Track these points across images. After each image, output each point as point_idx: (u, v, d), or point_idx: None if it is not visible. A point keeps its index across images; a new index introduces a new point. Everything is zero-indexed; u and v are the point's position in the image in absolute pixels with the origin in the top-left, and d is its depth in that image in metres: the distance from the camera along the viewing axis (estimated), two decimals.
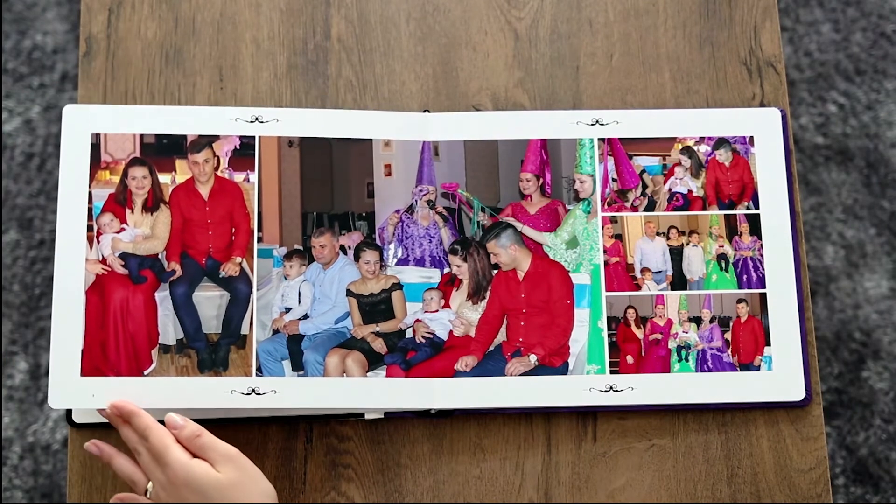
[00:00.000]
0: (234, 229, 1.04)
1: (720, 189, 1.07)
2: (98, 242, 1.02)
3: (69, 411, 1.01)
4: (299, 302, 1.03)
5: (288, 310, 1.03)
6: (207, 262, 1.03)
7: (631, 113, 1.08)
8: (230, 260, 1.03)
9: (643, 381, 1.02)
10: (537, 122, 1.07)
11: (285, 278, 1.03)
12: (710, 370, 1.03)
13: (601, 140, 1.07)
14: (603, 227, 1.05)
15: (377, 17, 1.12)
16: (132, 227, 1.03)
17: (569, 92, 1.10)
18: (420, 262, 1.05)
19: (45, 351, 1.83)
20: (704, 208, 1.07)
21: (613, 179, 1.07)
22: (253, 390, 0.99)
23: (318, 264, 1.04)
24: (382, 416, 1.02)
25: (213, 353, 1.01)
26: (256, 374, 1.00)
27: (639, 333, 1.03)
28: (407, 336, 1.03)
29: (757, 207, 1.06)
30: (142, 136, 1.04)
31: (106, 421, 0.98)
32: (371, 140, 1.06)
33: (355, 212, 1.05)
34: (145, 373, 1.00)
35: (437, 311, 1.04)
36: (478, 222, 1.06)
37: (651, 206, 1.06)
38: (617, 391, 1.02)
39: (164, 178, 1.04)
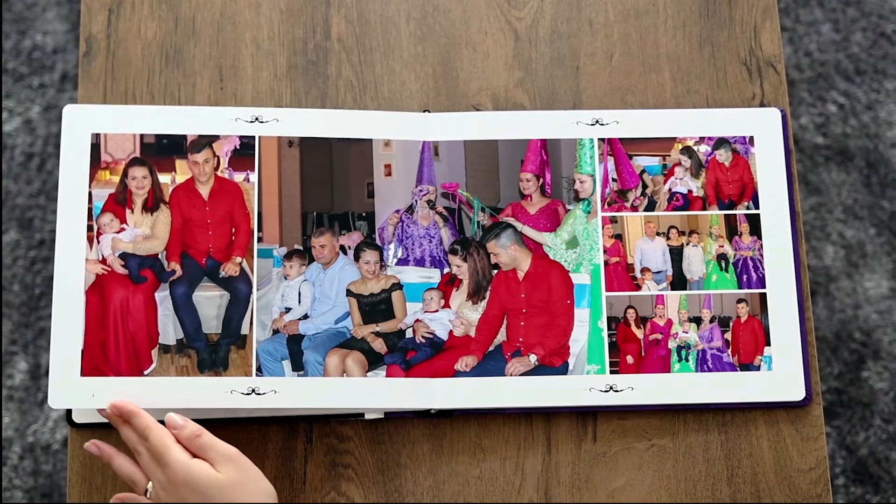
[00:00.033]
0: (234, 229, 1.04)
1: (720, 189, 1.07)
2: (98, 242, 1.02)
3: (69, 411, 1.01)
4: (299, 302, 1.03)
5: (288, 310, 1.03)
6: (207, 262, 1.03)
7: (631, 113, 1.08)
8: (230, 260, 1.03)
9: (643, 381, 1.02)
10: (537, 122, 1.07)
11: (285, 278, 1.03)
12: (710, 370, 1.03)
13: (601, 140, 1.07)
14: (603, 227, 1.05)
15: (377, 17, 1.12)
16: (132, 227, 1.03)
17: (569, 92, 1.10)
18: (420, 262, 1.05)
19: (45, 351, 1.83)
20: (704, 208, 1.07)
21: (613, 179, 1.07)
22: (253, 390, 0.99)
23: (318, 264, 1.04)
24: (382, 416, 1.02)
25: (213, 353, 1.01)
26: (256, 374, 1.00)
27: (639, 333, 1.03)
28: (407, 336, 1.03)
29: (757, 207, 1.06)
30: (142, 136, 1.04)
31: (106, 421, 0.98)
32: (371, 140, 1.06)
33: (355, 212, 1.05)
34: (145, 373, 1.00)
35: (437, 311, 1.04)
36: (478, 222, 1.06)
37: (651, 206, 1.06)
38: (617, 391, 1.02)
39: (164, 178, 1.04)
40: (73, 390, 0.98)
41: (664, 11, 1.13)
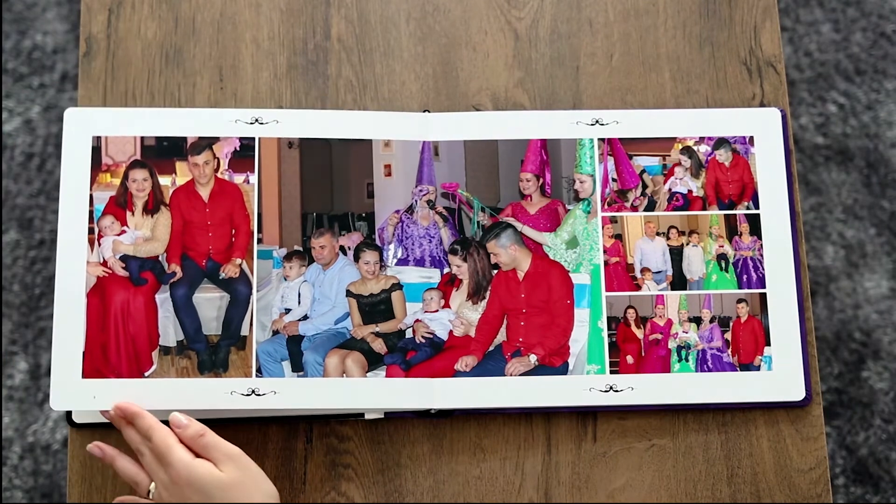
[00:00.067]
0: (233, 231, 1.04)
1: (720, 189, 1.07)
2: (99, 245, 1.02)
3: (69, 411, 1.01)
4: (299, 303, 1.03)
5: (288, 311, 1.03)
6: (207, 264, 1.03)
7: (631, 113, 1.08)
8: (230, 261, 1.03)
9: (643, 381, 1.02)
10: (537, 122, 1.07)
11: (285, 279, 1.03)
12: (710, 370, 1.03)
13: (601, 140, 1.07)
14: (603, 227, 1.05)
15: (377, 17, 1.12)
16: (133, 230, 1.03)
17: (569, 92, 1.10)
18: (420, 262, 1.05)
19: (45, 351, 1.83)
20: (704, 208, 1.07)
21: (613, 179, 1.07)
22: (253, 391, 0.99)
23: (318, 265, 1.04)
24: (382, 416, 1.02)
25: (213, 354, 1.01)
26: (256, 375, 1.00)
27: (639, 333, 1.03)
28: (407, 336, 1.03)
29: (757, 207, 1.06)
30: (142, 138, 1.04)
31: (105, 421, 0.98)
32: (371, 140, 1.06)
33: (355, 212, 1.05)
34: (146, 374, 1.00)
35: (437, 311, 1.04)
36: (478, 222, 1.06)
37: (651, 206, 1.06)
38: (617, 391, 1.02)
39: (164, 181, 1.04)
40: (75, 392, 0.98)
41: (664, 11, 1.13)
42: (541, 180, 1.06)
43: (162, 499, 0.91)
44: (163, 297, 1.02)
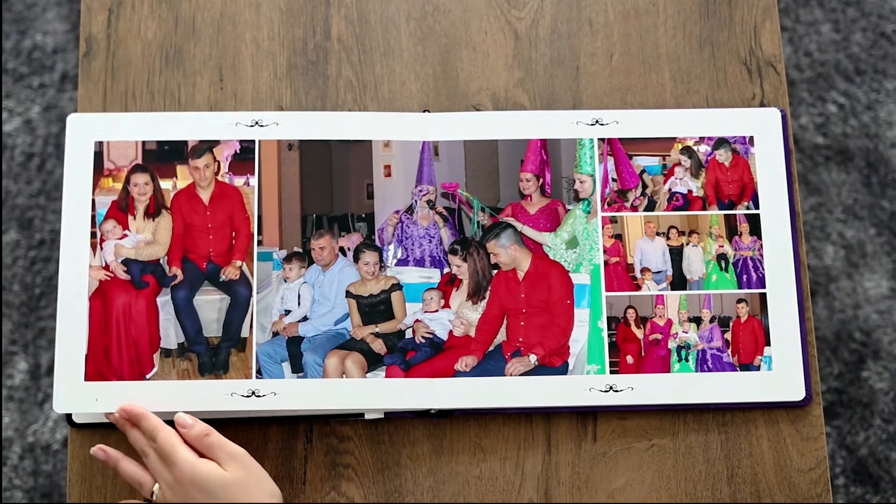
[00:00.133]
0: (234, 233, 1.04)
1: (720, 189, 1.07)
2: (101, 249, 1.03)
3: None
4: (299, 304, 1.03)
5: (287, 312, 1.03)
6: (208, 267, 1.04)
7: (631, 113, 1.08)
8: (230, 264, 1.03)
9: (643, 381, 1.02)
10: (537, 122, 1.07)
11: (285, 281, 1.03)
12: (710, 370, 1.03)
13: (601, 140, 1.07)
14: (603, 227, 1.05)
15: (377, 17, 1.12)
16: (134, 233, 1.04)
17: (569, 92, 1.10)
18: (420, 263, 1.05)
19: (45, 351, 1.83)
20: (704, 208, 1.07)
21: (613, 179, 1.07)
22: (253, 392, 0.99)
23: (318, 266, 1.04)
24: (382, 416, 1.02)
25: (213, 356, 1.01)
26: (256, 377, 1.00)
27: (639, 333, 1.03)
28: (407, 336, 1.03)
29: (757, 207, 1.06)
30: (143, 142, 1.05)
31: (105, 421, 0.99)
32: (370, 141, 1.06)
33: (355, 213, 1.05)
34: (147, 377, 1.00)
35: (436, 311, 1.04)
36: (478, 222, 1.06)
37: (651, 206, 1.06)
38: (617, 391, 1.02)
39: (165, 184, 1.05)
40: (78, 395, 0.99)
41: (664, 11, 1.13)
42: (541, 180, 1.06)
43: (166, 499, 0.91)
44: (164, 300, 1.02)
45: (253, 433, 1.02)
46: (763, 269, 1.05)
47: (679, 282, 1.05)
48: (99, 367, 1.00)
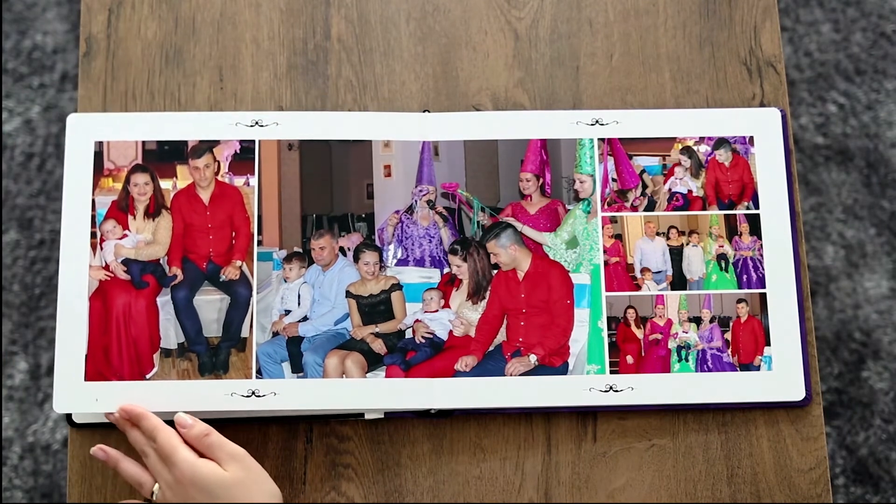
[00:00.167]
0: (234, 233, 1.04)
1: (720, 189, 1.07)
2: (101, 249, 1.03)
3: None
4: (299, 304, 1.03)
5: (287, 312, 1.03)
6: (208, 267, 1.04)
7: (631, 113, 1.08)
8: (230, 264, 1.03)
9: (643, 381, 1.02)
10: (537, 122, 1.07)
11: (285, 281, 1.03)
12: (710, 370, 1.03)
13: (601, 140, 1.07)
14: (603, 227, 1.05)
15: (377, 17, 1.12)
16: (134, 233, 1.04)
17: (569, 92, 1.10)
18: (420, 263, 1.05)
19: (45, 351, 1.83)
20: (704, 208, 1.07)
21: (613, 179, 1.07)
22: (253, 392, 0.99)
23: (318, 266, 1.04)
24: (382, 416, 1.02)
25: (213, 356, 1.01)
26: (256, 377, 1.00)
27: (639, 333, 1.03)
28: (407, 336, 1.03)
29: (757, 207, 1.06)
30: (143, 142, 1.05)
31: (105, 421, 0.99)
32: (370, 141, 1.06)
33: (355, 213, 1.05)
34: (147, 377, 1.00)
35: (436, 311, 1.04)
36: (478, 222, 1.06)
37: (651, 206, 1.06)
38: (617, 391, 1.02)
39: (165, 184, 1.05)
40: (78, 395, 0.99)
41: (664, 11, 1.13)
42: (541, 180, 1.06)
43: (166, 499, 0.91)
44: (164, 300, 1.02)
45: (253, 433, 1.02)
46: (763, 269, 1.05)
47: (679, 282, 1.05)
48: (99, 367, 1.00)
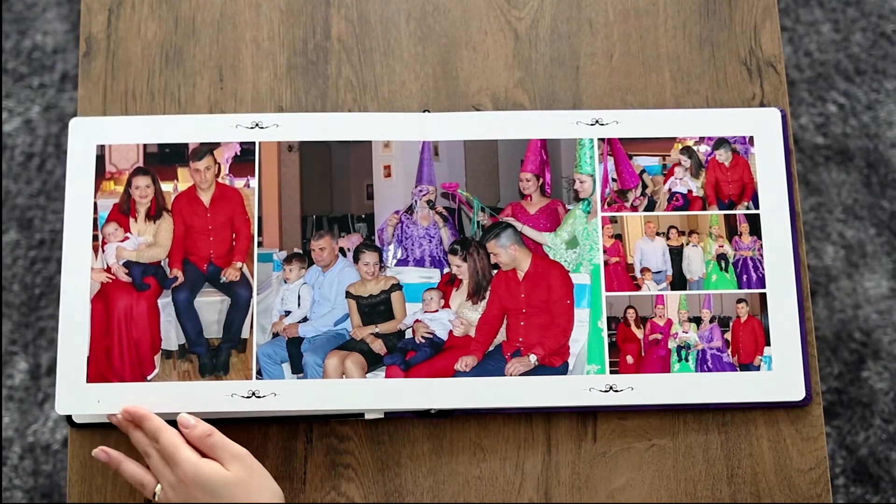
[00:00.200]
0: (234, 235, 1.04)
1: (720, 189, 1.07)
2: (103, 251, 1.03)
3: None
4: (299, 305, 1.03)
5: (288, 313, 1.03)
6: (208, 268, 1.04)
7: (631, 113, 1.08)
8: (231, 265, 1.03)
9: (643, 381, 1.02)
10: (537, 122, 1.07)
11: (285, 282, 1.03)
12: (710, 370, 1.03)
13: (601, 140, 1.07)
14: (603, 227, 1.05)
15: (377, 17, 1.12)
16: (136, 236, 1.04)
17: (569, 92, 1.10)
18: (420, 263, 1.05)
19: (45, 351, 1.83)
20: (704, 208, 1.07)
21: (613, 179, 1.07)
22: (253, 393, 0.99)
23: (318, 267, 1.04)
24: (382, 416, 1.02)
25: (213, 357, 1.01)
26: (256, 378, 1.00)
27: (639, 333, 1.04)
28: (406, 336, 1.03)
29: (757, 207, 1.06)
30: (145, 145, 1.05)
31: (106, 421, 0.99)
32: (370, 142, 1.06)
33: (355, 214, 1.05)
34: (148, 378, 1.00)
35: (436, 311, 1.04)
36: (478, 222, 1.06)
37: (651, 206, 1.06)
38: (617, 391, 1.02)
39: (166, 187, 1.05)
40: (80, 396, 0.99)
41: (664, 11, 1.13)
42: (541, 180, 1.06)
43: (168, 499, 0.91)
44: (165, 302, 1.02)
45: (253, 433, 1.02)
46: (763, 269, 1.05)
47: (679, 282, 1.05)
48: (100, 368, 1.00)
